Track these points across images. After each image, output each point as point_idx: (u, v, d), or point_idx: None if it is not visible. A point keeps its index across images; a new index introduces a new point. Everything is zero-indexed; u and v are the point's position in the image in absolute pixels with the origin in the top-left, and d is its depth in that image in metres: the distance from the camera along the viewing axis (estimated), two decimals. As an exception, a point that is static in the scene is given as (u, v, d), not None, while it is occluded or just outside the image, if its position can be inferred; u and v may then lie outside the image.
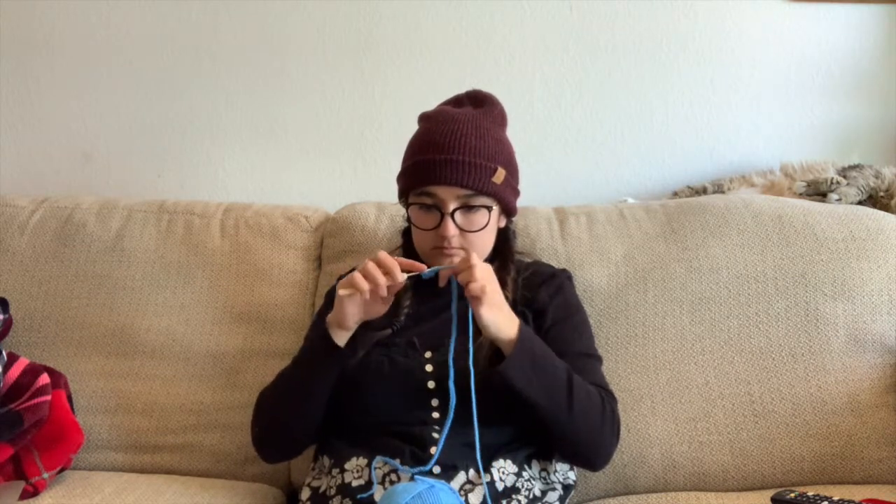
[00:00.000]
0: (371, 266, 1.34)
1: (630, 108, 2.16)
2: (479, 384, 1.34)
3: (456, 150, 1.45)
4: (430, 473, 1.34)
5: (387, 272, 1.34)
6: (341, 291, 1.36)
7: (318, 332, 1.42)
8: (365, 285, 1.34)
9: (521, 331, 1.36)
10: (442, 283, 1.37)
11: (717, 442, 1.63)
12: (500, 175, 1.47)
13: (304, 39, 2.17)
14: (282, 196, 2.15)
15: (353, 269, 1.44)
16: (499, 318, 1.35)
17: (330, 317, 1.40)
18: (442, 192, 1.45)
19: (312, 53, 2.17)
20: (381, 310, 1.40)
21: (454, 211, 1.45)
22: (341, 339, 1.40)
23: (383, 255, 1.35)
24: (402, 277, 1.34)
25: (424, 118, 1.55)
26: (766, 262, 1.71)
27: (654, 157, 2.17)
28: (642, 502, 1.58)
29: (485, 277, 1.33)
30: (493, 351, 1.37)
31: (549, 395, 1.37)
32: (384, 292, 1.35)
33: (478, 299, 1.31)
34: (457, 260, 1.41)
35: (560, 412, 1.37)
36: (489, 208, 1.48)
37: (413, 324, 1.49)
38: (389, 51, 2.17)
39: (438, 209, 1.46)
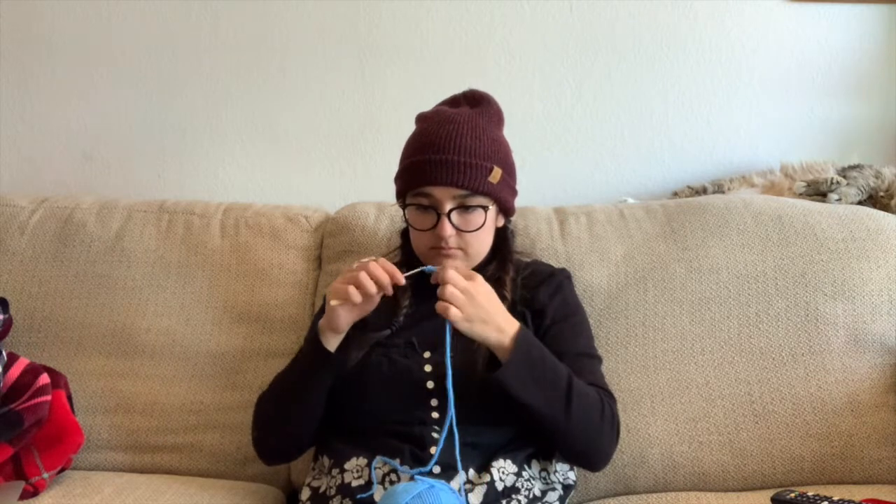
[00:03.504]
0: (363, 276, 1.34)
1: (630, 108, 2.17)
2: (478, 385, 1.34)
3: (451, 150, 1.45)
4: (429, 473, 1.34)
5: (378, 284, 1.34)
6: (333, 302, 1.36)
7: (310, 337, 1.43)
8: (357, 297, 1.34)
9: (516, 338, 1.35)
10: (435, 281, 1.36)
11: (717, 442, 1.63)
12: (496, 175, 1.47)
13: (304, 39, 2.17)
14: (282, 196, 2.15)
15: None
16: (484, 330, 1.34)
17: (322, 322, 1.40)
18: (438, 192, 1.45)
19: (312, 53, 2.17)
20: (373, 306, 1.40)
21: (451, 211, 1.45)
22: (332, 343, 1.40)
23: (374, 266, 1.35)
24: (390, 289, 1.35)
25: (421, 118, 1.55)
26: (766, 262, 1.71)
27: (654, 157, 2.17)
28: (642, 502, 1.58)
29: (454, 296, 1.31)
30: (490, 354, 1.37)
31: (546, 399, 1.36)
32: (375, 299, 1.36)
33: (449, 317, 1.31)
34: (450, 263, 1.40)
35: (558, 416, 1.37)
36: (486, 208, 1.48)
37: (412, 324, 1.49)
38: (389, 51, 2.17)
39: (435, 209, 1.46)
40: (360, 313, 1.40)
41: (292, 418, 1.46)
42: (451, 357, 1.35)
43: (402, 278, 1.36)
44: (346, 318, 1.39)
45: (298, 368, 1.46)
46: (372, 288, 1.34)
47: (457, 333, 1.35)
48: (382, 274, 1.35)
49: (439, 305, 1.31)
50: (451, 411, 1.32)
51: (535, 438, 1.44)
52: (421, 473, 1.33)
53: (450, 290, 1.32)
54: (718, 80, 2.15)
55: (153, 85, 2.21)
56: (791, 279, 1.69)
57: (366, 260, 1.38)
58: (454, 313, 1.31)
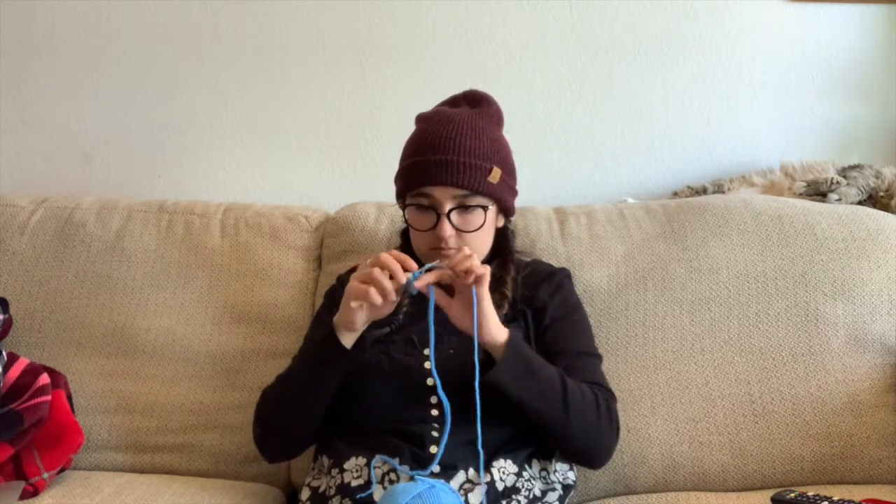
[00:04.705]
0: (377, 273, 1.33)
1: (630, 108, 2.17)
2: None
3: (451, 150, 1.45)
4: (429, 473, 1.34)
5: (391, 275, 1.34)
6: (353, 304, 1.35)
7: (325, 333, 1.42)
8: (377, 298, 1.33)
9: (511, 335, 1.37)
10: (420, 286, 1.35)
11: (717, 442, 1.63)
12: (496, 175, 1.47)
13: (304, 39, 2.17)
14: (282, 196, 2.15)
15: (353, 269, 1.44)
16: (493, 316, 1.36)
17: (337, 318, 1.40)
18: (438, 192, 1.45)
19: (312, 53, 2.17)
20: (388, 310, 1.40)
21: (450, 211, 1.45)
22: (348, 340, 1.40)
23: (385, 257, 1.35)
24: (404, 278, 1.34)
25: (421, 119, 1.55)
26: (766, 262, 1.71)
27: (654, 157, 2.17)
28: (642, 502, 1.58)
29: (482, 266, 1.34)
30: (485, 355, 1.37)
31: (542, 397, 1.37)
32: (393, 297, 1.35)
33: (480, 280, 1.32)
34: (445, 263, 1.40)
35: (556, 414, 1.37)
36: (485, 208, 1.48)
37: (411, 321, 1.49)
38: (389, 51, 2.17)
39: (435, 210, 1.46)
40: (377, 315, 1.40)
41: (298, 414, 1.46)
42: (451, 354, 1.35)
43: (413, 264, 1.36)
44: (362, 318, 1.38)
45: (309, 364, 1.46)
46: (389, 286, 1.33)
47: (456, 331, 1.35)
48: (394, 263, 1.34)
49: (477, 267, 1.32)
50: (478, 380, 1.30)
51: (535, 438, 1.44)
52: (420, 473, 1.33)
53: (477, 260, 1.34)
54: (718, 80, 2.15)
55: (153, 85, 2.21)
56: (791, 279, 1.69)
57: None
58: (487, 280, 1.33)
